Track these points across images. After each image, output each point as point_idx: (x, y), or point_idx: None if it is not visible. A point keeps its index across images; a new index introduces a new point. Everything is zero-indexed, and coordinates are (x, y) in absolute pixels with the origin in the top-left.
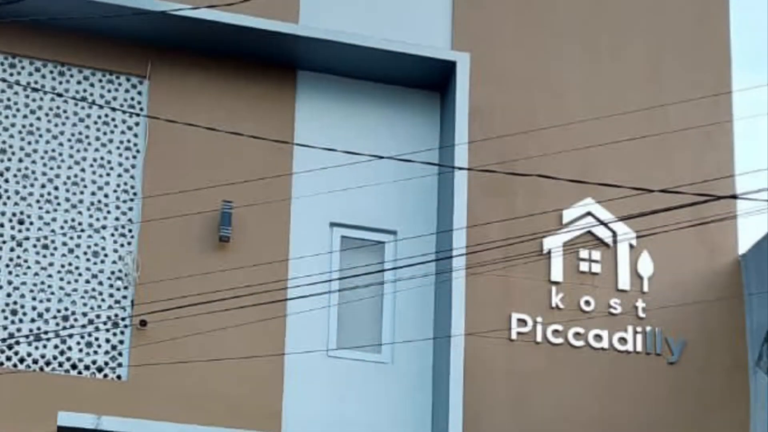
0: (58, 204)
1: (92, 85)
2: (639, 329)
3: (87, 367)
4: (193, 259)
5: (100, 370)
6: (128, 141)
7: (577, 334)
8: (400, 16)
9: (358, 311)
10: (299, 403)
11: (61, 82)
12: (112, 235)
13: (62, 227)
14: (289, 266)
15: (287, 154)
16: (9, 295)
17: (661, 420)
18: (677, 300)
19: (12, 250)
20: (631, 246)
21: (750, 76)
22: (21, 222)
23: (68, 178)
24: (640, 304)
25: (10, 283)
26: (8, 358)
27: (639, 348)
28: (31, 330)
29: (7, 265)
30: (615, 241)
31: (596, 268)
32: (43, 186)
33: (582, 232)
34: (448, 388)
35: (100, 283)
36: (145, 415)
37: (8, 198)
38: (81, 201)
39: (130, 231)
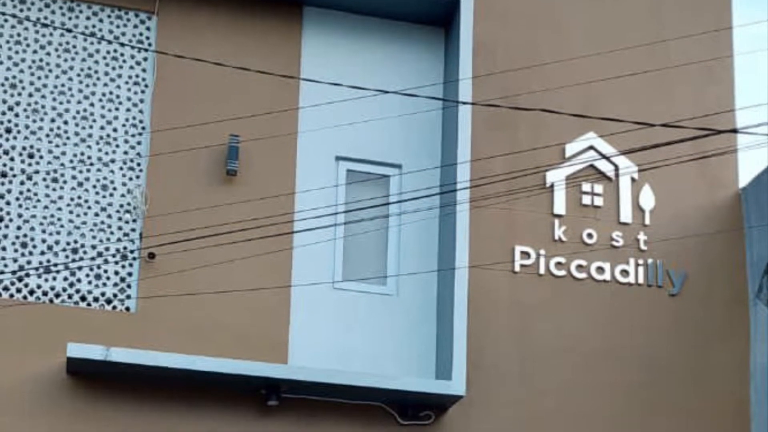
0: (68, 138)
1: (101, 20)
2: (640, 261)
3: (96, 299)
4: (201, 192)
5: (109, 302)
6: (137, 76)
7: (579, 267)
8: None
9: (364, 244)
10: (305, 334)
11: (70, 18)
12: (121, 168)
13: (71, 161)
14: (295, 199)
15: (294, 89)
16: (19, 228)
17: (662, 351)
18: (678, 233)
19: (22, 183)
20: (632, 179)
21: (750, 11)
22: (31, 156)
23: (77, 112)
24: (641, 236)
25: (20, 216)
26: (18, 290)
27: (640, 280)
28: (41, 262)
29: (17, 199)
30: (617, 175)
31: (598, 201)
32: (52, 120)
33: (584, 166)
34: (452, 319)
35: (109, 216)
36: (154, 346)
37: (18, 132)
38: (90, 135)
39: (138, 165)
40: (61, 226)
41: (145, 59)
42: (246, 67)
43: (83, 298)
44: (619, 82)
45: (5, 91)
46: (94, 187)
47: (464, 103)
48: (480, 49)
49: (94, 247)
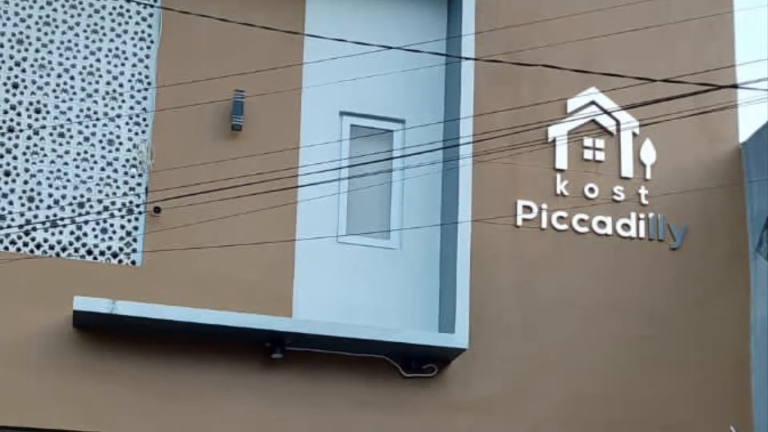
0: (74, 93)
1: None
2: (642, 216)
3: (102, 253)
4: (206, 147)
5: (114, 255)
6: (142, 32)
7: (581, 221)
8: None
9: (367, 198)
10: (309, 287)
11: None
12: (127, 123)
13: (78, 116)
14: (299, 154)
15: (298, 45)
16: (26, 182)
17: (663, 304)
18: (679, 187)
19: (29, 138)
20: (634, 134)
21: None
22: (38, 111)
23: (84, 68)
24: (642, 191)
25: (27, 170)
26: (25, 244)
27: (642, 234)
28: (47, 216)
29: (24, 153)
30: (618, 130)
31: (600, 155)
32: (59, 76)
33: (586, 121)
34: (455, 273)
35: (115, 171)
36: (159, 300)
37: (25, 87)
38: (96, 90)
39: (144, 120)
40: (68, 180)
41: (151, 15)
42: (251, 22)
43: (89, 252)
44: (621, 37)
45: (12, 47)
46: (101, 141)
47: (467, 58)
48: (483, 5)
49: (100, 201)
